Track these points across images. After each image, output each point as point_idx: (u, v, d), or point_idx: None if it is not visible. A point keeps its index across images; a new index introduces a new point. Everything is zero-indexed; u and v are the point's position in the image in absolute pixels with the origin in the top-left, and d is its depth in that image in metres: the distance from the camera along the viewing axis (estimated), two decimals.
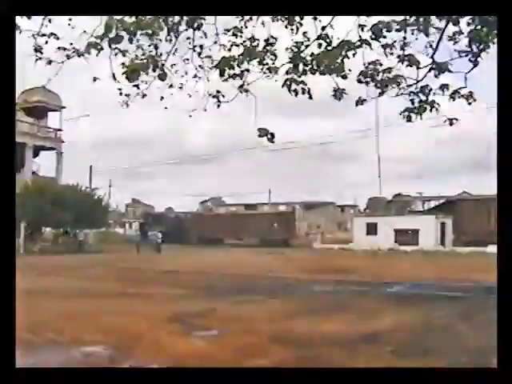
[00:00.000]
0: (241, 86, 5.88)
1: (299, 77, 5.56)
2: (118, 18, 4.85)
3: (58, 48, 5.25)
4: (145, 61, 5.34)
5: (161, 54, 5.56)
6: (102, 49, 5.08)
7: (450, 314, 10.32)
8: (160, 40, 5.46)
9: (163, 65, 5.54)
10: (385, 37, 5.36)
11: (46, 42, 5.25)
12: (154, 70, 5.43)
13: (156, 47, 5.52)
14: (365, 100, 5.75)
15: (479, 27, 5.21)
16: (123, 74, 5.22)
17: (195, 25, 5.47)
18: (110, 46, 5.07)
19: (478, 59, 5.42)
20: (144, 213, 60.12)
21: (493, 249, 21.99)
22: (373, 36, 5.30)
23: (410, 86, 5.62)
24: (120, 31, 4.89)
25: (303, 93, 5.59)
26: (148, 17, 4.98)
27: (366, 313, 10.43)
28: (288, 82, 5.56)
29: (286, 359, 6.54)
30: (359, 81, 5.57)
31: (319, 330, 8.54)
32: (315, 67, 5.40)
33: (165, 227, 42.47)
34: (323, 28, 5.57)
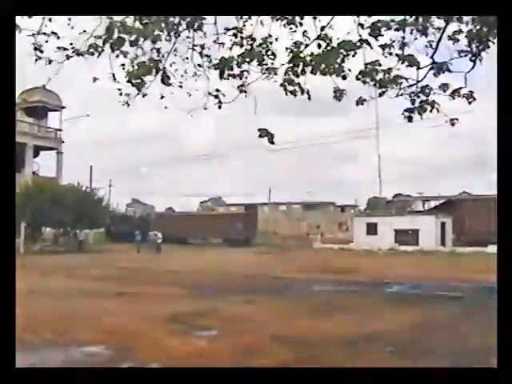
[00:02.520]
0: (240, 86, 5.87)
1: (297, 77, 5.54)
2: (120, 20, 4.83)
3: (58, 48, 5.23)
4: (148, 65, 5.32)
5: (163, 56, 5.55)
6: (102, 51, 5.07)
7: (450, 314, 10.33)
8: (160, 40, 5.44)
9: (165, 68, 5.52)
10: (382, 35, 5.35)
11: (46, 41, 5.22)
12: (156, 73, 5.43)
13: (158, 51, 5.51)
14: (365, 100, 5.74)
15: (479, 27, 5.20)
16: (127, 80, 5.22)
17: (196, 25, 5.46)
18: (112, 50, 5.06)
19: (478, 59, 5.41)
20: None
21: (493, 249, 21.99)
22: (371, 34, 5.29)
23: (411, 86, 5.60)
24: (122, 34, 4.88)
25: (302, 93, 5.57)
26: (150, 21, 4.96)
27: (365, 313, 10.43)
28: (286, 83, 5.55)
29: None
30: (358, 79, 5.55)
31: (319, 330, 8.53)
32: (315, 68, 5.38)
33: (129, 227, 43.01)
34: (322, 28, 5.55)
